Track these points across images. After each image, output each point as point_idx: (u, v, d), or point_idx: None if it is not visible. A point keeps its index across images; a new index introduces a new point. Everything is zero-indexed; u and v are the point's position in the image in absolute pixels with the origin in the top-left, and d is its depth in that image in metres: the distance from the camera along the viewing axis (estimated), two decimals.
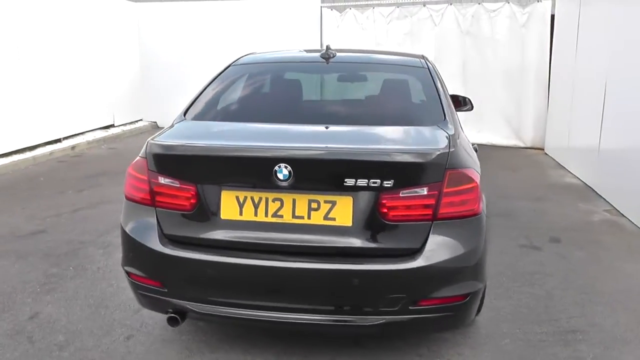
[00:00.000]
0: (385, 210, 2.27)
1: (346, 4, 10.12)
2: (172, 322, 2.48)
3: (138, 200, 2.50)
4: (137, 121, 10.58)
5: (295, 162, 2.24)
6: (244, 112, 3.00)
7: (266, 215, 2.33)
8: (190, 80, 10.50)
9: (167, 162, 2.45)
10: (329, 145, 2.38)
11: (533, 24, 8.96)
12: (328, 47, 3.32)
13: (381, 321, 2.31)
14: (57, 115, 8.33)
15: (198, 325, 3.08)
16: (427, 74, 3.13)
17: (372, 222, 2.29)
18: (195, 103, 2.99)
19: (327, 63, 3.27)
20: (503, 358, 2.83)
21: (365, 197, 2.27)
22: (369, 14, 10.00)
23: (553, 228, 4.80)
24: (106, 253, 4.20)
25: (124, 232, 2.54)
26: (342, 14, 10.18)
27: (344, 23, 10.16)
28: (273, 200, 2.32)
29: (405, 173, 2.27)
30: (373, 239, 2.30)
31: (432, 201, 2.27)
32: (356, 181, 2.23)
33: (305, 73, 3.39)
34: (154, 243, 2.41)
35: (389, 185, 2.24)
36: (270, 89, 3.18)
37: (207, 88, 3.11)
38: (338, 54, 3.31)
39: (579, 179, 6.52)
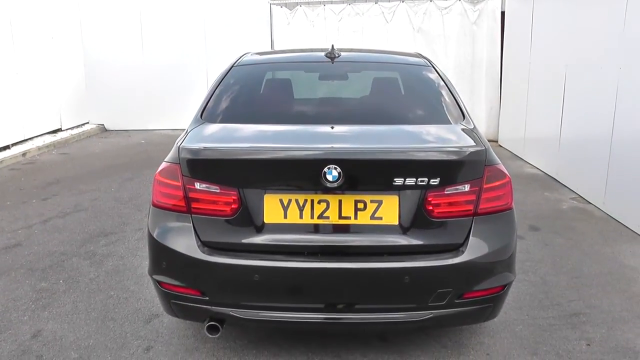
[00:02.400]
0: (430, 207, 2.32)
1: (296, 0, 10.11)
2: (211, 330, 2.42)
3: (170, 207, 2.41)
4: (84, 124, 10.09)
5: (345, 163, 2.24)
6: (266, 113, 2.94)
7: (312, 217, 2.32)
8: (139, 81, 10.19)
9: (205, 167, 2.38)
10: (379, 146, 2.39)
11: (484, 21, 9.33)
12: (333, 47, 3.33)
13: (429, 316, 2.36)
14: (3, 120, 7.81)
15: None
16: (434, 72, 3.21)
17: (418, 219, 2.33)
18: (208, 105, 2.91)
19: (332, 63, 3.28)
20: (522, 343, 2.96)
21: (411, 195, 2.31)
22: (319, 11, 10.04)
23: (528, 217, 5.05)
24: (94, 263, 4.00)
25: (154, 241, 2.44)
26: (293, 11, 10.15)
27: (295, 20, 10.14)
28: (319, 202, 2.31)
29: (451, 171, 2.34)
30: (419, 236, 2.35)
31: (473, 197, 2.35)
32: (405, 180, 2.27)
33: (313, 73, 3.37)
34: (194, 251, 2.33)
35: (436, 183, 2.29)
36: (284, 90, 3.13)
37: (217, 89, 3.02)
38: (343, 54, 3.33)
39: (539, 169, 6.87)
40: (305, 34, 10.06)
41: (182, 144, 2.43)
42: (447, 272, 2.32)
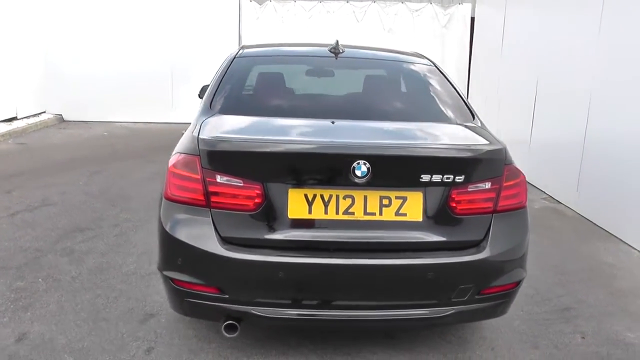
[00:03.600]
0: (454, 204, 2.33)
1: None
2: (229, 329, 2.34)
3: (187, 201, 2.31)
4: (40, 113, 9.60)
5: (374, 159, 2.21)
6: (279, 106, 2.88)
7: (337, 212, 2.28)
8: (100, 71, 9.78)
9: (229, 159, 2.29)
10: (409, 142, 2.38)
11: (454, 25, 9.54)
12: (337, 42, 3.29)
13: (451, 312, 2.38)
14: None
15: (219, 331, 2.92)
16: (438, 72, 3.24)
17: (442, 216, 2.33)
18: (217, 96, 2.82)
19: (336, 58, 3.25)
20: (521, 337, 3.02)
21: (436, 192, 2.31)
22: (290, 7, 9.99)
23: None
24: (73, 261, 3.80)
25: (168, 236, 2.33)
26: (262, 6, 10.06)
27: (264, 15, 10.05)
28: (344, 198, 2.27)
29: (475, 168, 2.35)
30: (442, 232, 2.35)
31: (493, 194, 2.38)
32: (431, 177, 2.26)
33: (319, 67, 3.31)
34: (213, 247, 2.24)
35: (460, 180, 2.30)
36: (292, 83, 3.08)
37: (223, 80, 2.94)
38: (347, 50, 3.31)
39: None
40: (275, 29, 9.98)
41: (202, 135, 2.32)
42: (469, 268, 2.33)
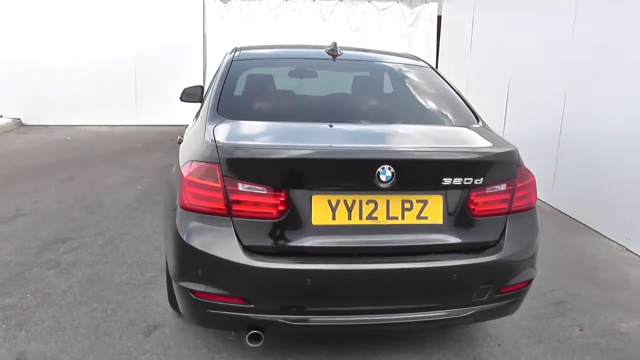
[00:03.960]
0: (473, 206, 2.36)
1: None
2: (253, 339, 2.30)
3: (206, 210, 2.24)
4: None
5: (398, 164, 2.22)
6: (288, 111, 2.85)
7: (360, 218, 2.27)
8: (60, 73, 9.39)
9: (252, 166, 2.24)
10: (432, 146, 2.39)
11: (421, 24, 9.67)
12: (335, 44, 3.28)
13: (472, 312, 2.41)
14: None
15: (228, 340, 2.87)
16: (437, 74, 3.27)
17: (461, 218, 2.36)
18: (222, 101, 2.76)
19: (334, 60, 3.24)
20: (525, 332, 3.10)
21: (455, 194, 2.34)
22: (255, 6, 9.88)
23: None
24: (61, 273, 3.65)
25: (187, 247, 2.26)
26: (227, 5, 9.91)
27: (229, 14, 9.91)
28: (367, 203, 2.27)
29: (493, 170, 2.39)
30: (462, 234, 2.38)
31: (508, 196, 2.43)
32: (452, 180, 2.29)
33: (319, 70, 3.29)
34: (237, 256, 2.19)
35: (479, 183, 2.34)
36: (297, 87, 3.05)
37: (225, 84, 2.88)
38: (344, 52, 3.30)
39: None
40: (240, 29, 9.86)
41: (220, 142, 2.26)
42: (489, 269, 2.38)
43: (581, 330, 3.16)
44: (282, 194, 2.21)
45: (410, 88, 3.15)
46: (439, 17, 9.69)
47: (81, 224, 4.63)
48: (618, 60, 4.59)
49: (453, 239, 2.37)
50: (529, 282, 2.57)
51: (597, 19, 4.89)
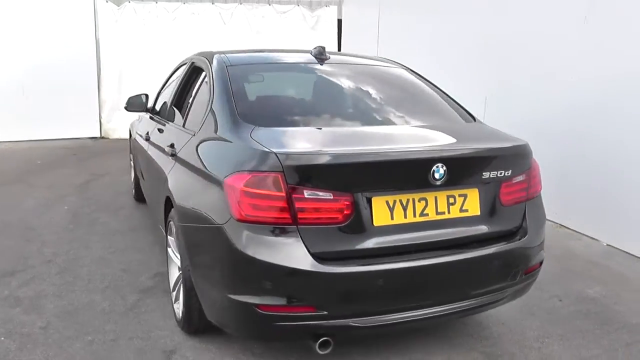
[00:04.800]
0: (503, 196, 2.56)
1: None
2: (324, 346, 2.28)
3: (269, 221, 2.18)
4: None
5: (449, 162, 2.34)
6: (311, 115, 2.83)
7: (414, 215, 2.35)
8: None
9: (318, 173, 2.21)
10: (476, 145, 2.53)
11: (321, 27, 9.89)
12: (324, 49, 3.32)
13: (507, 293, 2.61)
14: None
15: (256, 353, 2.79)
16: (419, 76, 3.44)
17: (493, 208, 2.55)
18: (239, 108, 2.67)
19: (322, 64, 3.28)
20: (517, 309, 3.32)
21: (490, 187, 2.52)
22: (151, 9, 9.45)
23: None
24: (29, 309, 3.25)
25: (249, 260, 2.17)
26: (121, 8, 9.36)
27: (123, 18, 9.37)
28: (419, 200, 2.36)
29: (518, 163, 2.61)
30: (495, 223, 2.57)
31: (526, 184, 2.66)
32: (490, 173, 2.46)
33: (313, 75, 3.26)
34: (309, 264, 2.15)
35: (509, 175, 2.54)
36: (306, 91, 3.02)
37: (234, 91, 2.79)
38: (331, 56, 3.35)
39: None
40: (136, 32, 9.37)
41: (278, 150, 2.20)
42: (521, 252, 2.59)
43: (560, 300, 3.54)
44: (347, 198, 2.22)
45: (410, 90, 3.27)
46: (339, 21, 10.00)
47: (22, 253, 4.13)
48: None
49: (490, 228, 2.55)
50: (542, 262, 2.83)
51: (508, 20, 5.45)
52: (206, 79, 3.16)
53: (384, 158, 2.32)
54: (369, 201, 2.27)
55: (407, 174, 2.35)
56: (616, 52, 4.35)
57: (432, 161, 2.31)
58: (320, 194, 2.19)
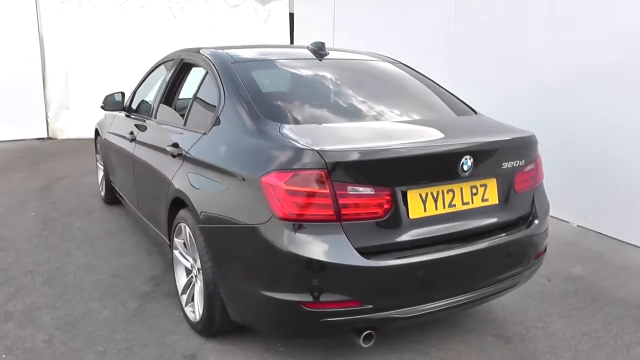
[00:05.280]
0: (517, 185, 2.68)
1: None
2: (367, 339, 2.31)
3: (314, 218, 2.18)
4: None
5: (476, 154, 2.43)
6: (332, 111, 2.83)
7: (444, 207, 2.42)
8: None
9: (361, 169, 2.23)
10: (497, 137, 2.62)
11: (273, 20, 9.83)
12: (323, 44, 3.32)
13: (521, 276, 2.74)
14: None
15: (278, 351, 2.79)
16: (413, 70, 3.52)
17: (509, 196, 2.66)
18: (258, 105, 2.63)
19: (321, 60, 3.30)
20: (514, 291, 3.53)
21: (505, 176, 2.63)
22: (97, 2, 9.06)
23: None
24: (25, 323, 3.08)
25: (295, 258, 2.16)
26: (64, 1, 8.90)
27: (67, 11, 8.93)
28: (447, 192, 2.43)
29: (529, 153, 2.73)
30: (511, 210, 2.68)
31: (534, 173, 2.80)
32: (508, 163, 2.57)
33: (325, 69, 3.23)
34: (354, 260, 2.17)
35: (522, 164, 2.66)
36: (318, 87, 2.99)
37: (247, 88, 2.74)
38: (330, 52, 3.36)
39: None
40: (82, 27, 8.96)
41: (319, 147, 2.20)
42: (534, 237, 2.73)
43: (549, 281, 3.74)
44: (387, 192, 2.25)
45: (415, 85, 3.31)
46: (291, 15, 9.98)
47: None
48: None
49: (507, 216, 2.67)
50: (546, 248, 2.98)
51: (473, 17, 5.65)
52: (209, 77, 3.08)
53: (421, 152, 2.37)
54: (404, 195, 2.32)
55: (440, 166, 2.41)
56: (578, 42, 4.63)
57: (461, 154, 2.39)
58: (363, 189, 2.21)
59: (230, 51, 3.24)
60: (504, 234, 2.60)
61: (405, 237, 2.33)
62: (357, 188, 2.21)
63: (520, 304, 3.39)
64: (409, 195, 2.33)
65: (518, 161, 2.64)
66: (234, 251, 2.45)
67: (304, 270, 2.19)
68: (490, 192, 2.59)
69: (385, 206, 2.26)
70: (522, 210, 2.75)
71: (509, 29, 5.29)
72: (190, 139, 2.94)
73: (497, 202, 2.61)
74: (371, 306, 2.24)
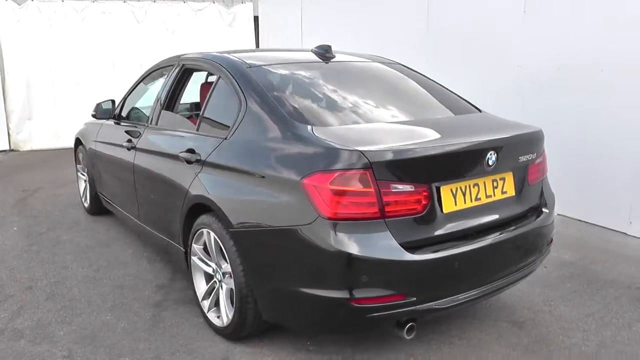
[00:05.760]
0: (529, 177, 2.83)
1: None
2: (410, 331, 2.40)
3: (359, 216, 2.25)
4: None
5: (499, 149, 2.56)
6: (364, 112, 2.89)
7: (471, 200, 2.54)
8: None
9: (402, 167, 2.32)
10: (516, 133, 2.74)
11: (238, 23, 9.81)
12: (330, 47, 3.38)
13: (537, 262, 2.90)
14: None
15: (309, 350, 2.83)
16: (413, 71, 3.63)
17: (524, 188, 2.81)
18: (284, 108, 2.68)
19: (327, 63, 3.36)
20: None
21: (521, 169, 2.78)
22: (57, 7, 8.79)
23: None
24: (38, 339, 2.99)
25: (343, 256, 2.22)
26: (23, 6, 8.60)
27: (26, 17, 8.63)
28: (473, 186, 2.55)
29: (540, 146, 2.89)
30: (526, 201, 2.84)
31: (541, 165, 2.96)
32: (523, 157, 2.73)
33: (336, 72, 3.27)
34: (400, 255, 2.26)
35: (534, 157, 2.82)
36: (337, 89, 3.03)
37: (270, 92, 2.78)
38: (336, 55, 3.44)
39: None
40: (42, 33, 8.68)
41: (361, 147, 2.26)
42: (547, 226, 2.89)
43: (545, 267, 3.93)
44: (425, 189, 2.35)
45: (420, 85, 3.39)
46: (256, 18, 9.99)
47: None
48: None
49: (523, 207, 2.82)
50: (552, 238, 3.15)
51: (444, 17, 5.86)
52: (222, 82, 3.09)
53: (455, 149, 2.48)
54: (438, 190, 2.42)
55: (469, 162, 2.52)
56: (552, 39, 4.89)
57: (487, 149, 2.51)
58: (403, 186, 2.30)
59: (239, 56, 3.25)
60: (523, 224, 2.75)
61: (440, 230, 2.44)
62: (398, 186, 2.29)
63: (524, 290, 3.55)
64: (442, 191, 2.43)
65: (531, 154, 2.79)
66: (273, 252, 2.48)
67: (352, 267, 2.24)
68: (508, 185, 2.72)
69: (423, 202, 2.35)
70: (534, 201, 2.91)
71: (483, 24, 5.51)
72: (208, 145, 2.94)
73: (513, 194, 2.75)
74: (415, 299, 2.32)
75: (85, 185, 5.24)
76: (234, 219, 2.62)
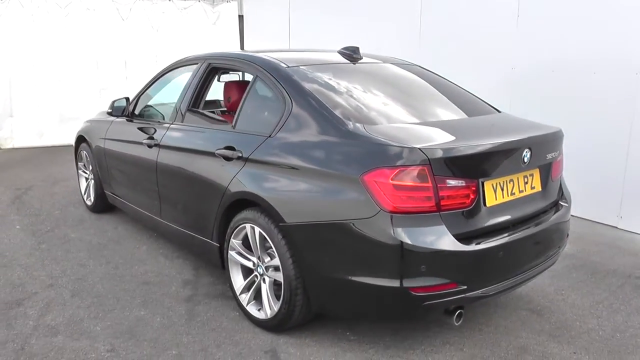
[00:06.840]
0: (553, 173, 3.04)
1: None
2: (458, 317, 2.55)
3: (417, 210, 2.40)
4: None
5: (534, 147, 2.76)
6: (405, 112, 3.04)
7: (508, 195, 2.71)
8: None
9: (456, 163, 2.47)
10: (545, 132, 2.93)
11: (223, 22, 9.82)
12: (357, 49, 3.52)
13: (560, 252, 3.11)
14: None
15: (351, 340, 2.95)
16: (433, 74, 3.80)
17: (548, 183, 3.01)
18: (335, 109, 2.79)
19: (354, 64, 3.50)
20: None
21: (546, 165, 2.97)
22: (40, 3, 8.61)
23: None
24: (72, 334, 3.01)
25: (406, 247, 2.36)
26: (4, 1, 8.38)
27: (7, 12, 8.43)
28: (509, 182, 2.72)
29: (560, 144, 3.10)
30: (550, 195, 3.04)
31: (562, 162, 3.18)
32: (550, 154, 2.93)
33: (366, 73, 3.40)
34: (454, 246, 2.41)
35: (557, 154, 3.03)
36: (375, 90, 3.17)
37: (316, 95, 2.88)
38: (364, 57, 3.59)
39: None
40: (24, 29, 8.51)
41: (419, 145, 2.40)
42: (569, 218, 3.11)
43: None
44: (474, 184, 2.51)
45: (447, 86, 3.56)
46: (241, 17, 10.02)
47: (10, 281, 3.70)
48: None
49: (548, 201, 3.03)
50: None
51: (434, 19, 6.08)
52: (260, 81, 3.18)
53: (500, 147, 2.64)
54: (482, 185, 2.59)
55: (509, 159, 2.70)
56: (543, 41, 5.16)
57: (523, 147, 2.70)
58: (456, 182, 2.46)
59: (274, 56, 3.33)
60: (549, 216, 2.96)
61: (484, 223, 2.60)
62: (452, 181, 2.45)
63: (535, 280, 3.76)
64: (486, 186, 2.60)
65: (555, 152, 3.00)
66: (329, 245, 2.59)
67: (412, 258, 2.39)
68: (536, 181, 2.92)
69: (472, 196, 2.51)
70: (555, 196, 3.12)
71: (477, 26, 5.75)
72: (249, 142, 3.01)
73: (540, 189, 2.95)
74: (465, 287, 2.48)
75: (88, 183, 5.20)
76: (285, 214, 2.71)
